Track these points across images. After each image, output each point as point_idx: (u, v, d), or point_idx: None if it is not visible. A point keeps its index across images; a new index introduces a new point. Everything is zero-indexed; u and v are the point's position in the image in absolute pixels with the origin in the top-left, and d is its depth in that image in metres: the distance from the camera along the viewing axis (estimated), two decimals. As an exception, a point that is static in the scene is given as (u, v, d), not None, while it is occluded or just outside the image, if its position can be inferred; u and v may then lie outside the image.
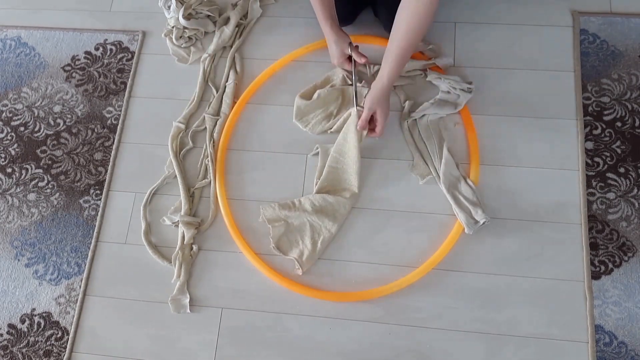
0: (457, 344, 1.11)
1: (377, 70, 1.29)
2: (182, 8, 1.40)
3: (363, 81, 1.31)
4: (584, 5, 1.37)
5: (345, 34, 1.26)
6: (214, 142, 1.32)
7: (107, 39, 1.49)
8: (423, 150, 1.25)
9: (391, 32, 1.09)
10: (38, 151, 1.38)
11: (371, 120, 1.22)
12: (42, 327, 1.22)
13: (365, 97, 1.21)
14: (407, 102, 1.29)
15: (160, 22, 1.48)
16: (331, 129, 1.29)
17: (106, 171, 1.33)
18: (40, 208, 1.32)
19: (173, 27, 1.43)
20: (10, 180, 1.36)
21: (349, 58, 1.27)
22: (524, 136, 1.25)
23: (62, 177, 1.34)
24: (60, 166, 1.36)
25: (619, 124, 1.25)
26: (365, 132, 1.23)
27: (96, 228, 1.27)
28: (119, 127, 1.37)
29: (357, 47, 1.27)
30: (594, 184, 1.20)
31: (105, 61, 1.46)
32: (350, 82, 1.30)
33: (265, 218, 1.21)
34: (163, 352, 1.16)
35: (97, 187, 1.32)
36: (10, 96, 1.45)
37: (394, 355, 1.12)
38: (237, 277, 1.20)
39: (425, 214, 1.21)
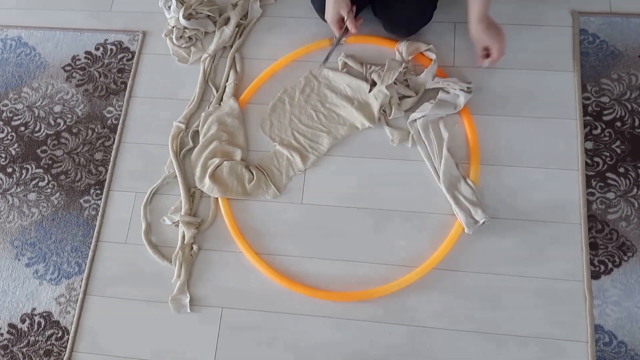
0: (457, 343, 1.11)
1: (373, 71, 1.31)
2: (183, 8, 1.41)
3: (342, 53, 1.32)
4: (584, 5, 1.37)
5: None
6: (214, 142, 1.32)
7: (107, 39, 1.49)
8: (423, 149, 1.25)
9: None
10: (38, 151, 1.38)
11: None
12: (42, 326, 1.22)
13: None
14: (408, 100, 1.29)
15: (161, 22, 1.48)
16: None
17: (106, 171, 1.33)
18: (41, 208, 1.32)
19: (173, 27, 1.43)
20: (11, 180, 1.36)
21: (341, 22, 1.26)
22: (524, 136, 1.25)
23: (63, 176, 1.34)
24: (60, 166, 1.36)
25: (618, 124, 1.25)
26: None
27: (96, 228, 1.28)
28: (119, 127, 1.37)
29: (357, 17, 1.25)
30: (593, 184, 1.21)
31: (106, 61, 1.46)
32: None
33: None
34: (163, 352, 1.16)
35: (97, 187, 1.32)
36: (10, 96, 1.45)
37: (394, 355, 1.12)
38: (237, 277, 1.20)
39: (425, 214, 1.21)
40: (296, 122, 1.30)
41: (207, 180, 1.25)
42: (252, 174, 1.25)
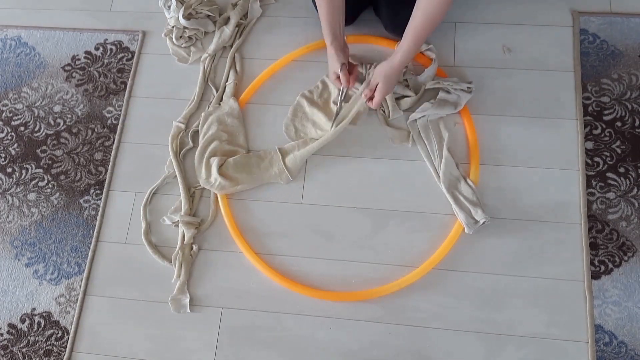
0: (457, 344, 1.11)
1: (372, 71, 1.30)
2: (182, 8, 1.41)
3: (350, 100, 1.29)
4: (584, 5, 1.37)
5: (343, 52, 1.23)
6: (214, 142, 1.32)
7: (107, 39, 1.49)
8: (423, 149, 1.25)
9: (414, 9, 1.10)
10: (38, 151, 1.38)
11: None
12: (42, 326, 1.22)
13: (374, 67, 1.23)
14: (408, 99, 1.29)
15: (161, 22, 1.48)
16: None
17: (106, 171, 1.33)
18: (41, 208, 1.32)
19: (173, 27, 1.43)
20: (11, 180, 1.36)
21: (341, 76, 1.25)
22: (524, 136, 1.25)
23: (62, 176, 1.34)
24: (60, 166, 1.36)
25: (619, 123, 1.25)
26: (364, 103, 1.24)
27: (96, 228, 1.27)
28: (119, 127, 1.37)
29: (353, 68, 1.26)
30: (594, 183, 1.20)
31: (106, 61, 1.46)
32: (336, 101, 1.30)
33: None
34: (163, 352, 1.16)
35: (97, 186, 1.32)
36: (10, 96, 1.45)
37: (394, 355, 1.12)
38: (237, 277, 1.20)
39: (425, 214, 1.21)
40: (317, 121, 1.30)
41: (215, 176, 1.24)
42: (261, 158, 1.26)
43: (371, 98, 1.24)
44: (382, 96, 1.20)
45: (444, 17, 1.08)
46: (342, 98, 1.26)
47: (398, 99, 1.29)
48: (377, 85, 1.20)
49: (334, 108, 1.29)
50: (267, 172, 1.26)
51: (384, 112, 1.29)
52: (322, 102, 1.32)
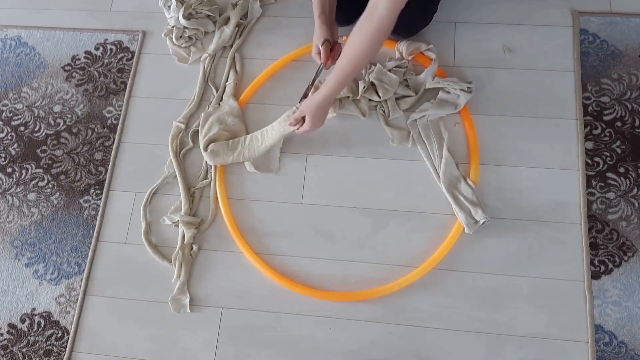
0: (457, 343, 1.11)
1: (371, 71, 1.30)
2: (182, 8, 1.41)
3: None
4: (584, 5, 1.37)
5: (329, 29, 1.24)
6: (214, 142, 1.32)
7: (107, 39, 1.49)
8: (423, 149, 1.25)
9: (342, 52, 1.10)
10: (38, 151, 1.38)
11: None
12: (42, 326, 1.22)
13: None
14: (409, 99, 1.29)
15: (160, 22, 1.48)
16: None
17: (106, 171, 1.33)
18: (41, 208, 1.32)
19: (173, 27, 1.43)
20: (11, 180, 1.36)
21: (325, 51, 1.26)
22: (524, 136, 1.25)
23: (62, 176, 1.34)
24: (60, 166, 1.36)
25: (619, 123, 1.25)
26: (292, 128, 1.23)
27: (96, 228, 1.27)
28: (119, 127, 1.37)
29: (335, 45, 1.25)
30: (594, 183, 1.20)
31: (106, 61, 1.46)
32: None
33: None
34: (163, 352, 1.16)
35: (97, 186, 1.32)
36: (10, 96, 1.45)
37: (394, 355, 1.12)
38: (237, 277, 1.20)
39: (425, 214, 1.21)
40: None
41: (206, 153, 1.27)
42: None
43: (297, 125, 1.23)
44: (307, 130, 1.19)
45: (373, 57, 1.07)
46: (318, 75, 1.26)
47: (398, 99, 1.29)
48: (304, 117, 1.19)
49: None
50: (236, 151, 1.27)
51: (384, 112, 1.29)
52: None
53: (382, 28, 1.01)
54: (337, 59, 1.21)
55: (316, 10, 1.24)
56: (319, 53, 1.25)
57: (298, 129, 1.22)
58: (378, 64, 1.29)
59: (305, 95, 1.27)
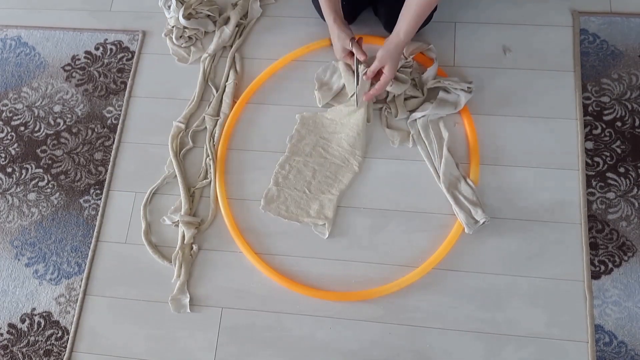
0: (457, 343, 1.11)
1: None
2: (182, 8, 1.41)
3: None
4: (584, 5, 1.37)
5: (349, 28, 1.25)
6: (214, 142, 1.32)
7: (107, 39, 1.49)
8: (423, 149, 1.25)
9: None
10: (38, 151, 1.38)
11: (377, 75, 1.22)
12: (42, 326, 1.22)
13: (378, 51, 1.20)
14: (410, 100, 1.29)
15: (160, 22, 1.48)
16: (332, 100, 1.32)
17: (106, 171, 1.33)
18: (41, 208, 1.32)
19: (173, 27, 1.43)
20: (11, 179, 1.36)
21: (351, 53, 1.26)
22: (524, 136, 1.25)
23: (62, 176, 1.34)
24: (60, 166, 1.36)
25: (619, 123, 1.25)
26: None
27: (96, 228, 1.27)
28: (119, 127, 1.37)
29: (360, 40, 1.25)
30: (594, 183, 1.20)
31: (106, 61, 1.46)
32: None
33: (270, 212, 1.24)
34: (163, 352, 1.16)
35: (97, 186, 1.32)
36: (10, 96, 1.45)
37: (394, 355, 1.12)
38: (237, 277, 1.20)
39: (425, 214, 1.21)
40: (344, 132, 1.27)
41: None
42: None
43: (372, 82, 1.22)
44: (390, 77, 1.18)
45: None
46: (359, 73, 1.24)
47: (406, 99, 1.29)
48: (381, 67, 1.18)
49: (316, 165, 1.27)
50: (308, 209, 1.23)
51: (390, 111, 1.29)
52: (303, 159, 1.28)
53: None
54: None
55: (329, 15, 1.23)
56: (349, 54, 1.25)
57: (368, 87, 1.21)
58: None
59: (358, 96, 1.25)
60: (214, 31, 1.44)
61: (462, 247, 1.17)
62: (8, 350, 1.20)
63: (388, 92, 1.28)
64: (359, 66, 1.24)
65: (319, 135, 1.29)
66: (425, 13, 1.12)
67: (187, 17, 1.41)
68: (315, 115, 1.31)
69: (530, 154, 1.23)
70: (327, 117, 1.30)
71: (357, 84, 1.24)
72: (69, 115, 1.41)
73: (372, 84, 1.25)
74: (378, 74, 1.21)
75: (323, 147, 1.27)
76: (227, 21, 1.44)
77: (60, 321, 1.21)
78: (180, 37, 1.43)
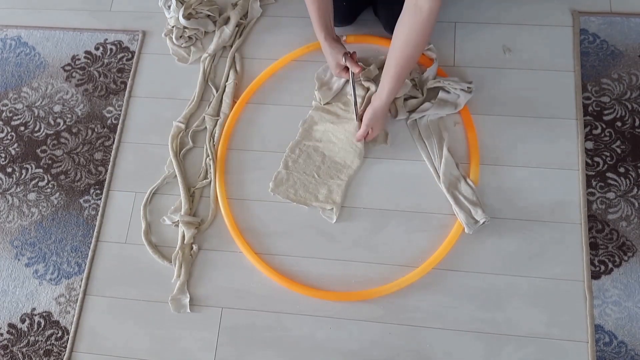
0: (457, 343, 1.11)
1: (382, 62, 1.30)
2: (182, 8, 1.41)
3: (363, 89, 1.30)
4: (584, 5, 1.37)
5: (341, 43, 1.24)
6: (214, 142, 1.32)
7: (107, 39, 1.49)
8: (423, 149, 1.25)
9: (390, 48, 1.08)
10: (38, 151, 1.38)
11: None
12: (42, 326, 1.22)
13: (363, 110, 1.22)
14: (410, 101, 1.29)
15: (160, 22, 1.48)
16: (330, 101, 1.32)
17: (106, 171, 1.33)
18: (41, 208, 1.32)
19: (173, 27, 1.43)
20: (11, 179, 1.36)
21: (346, 68, 1.24)
22: (524, 136, 1.25)
23: (62, 176, 1.34)
24: (60, 166, 1.36)
25: (619, 123, 1.25)
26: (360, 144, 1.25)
27: (96, 228, 1.27)
28: (119, 127, 1.37)
29: (353, 54, 1.24)
30: (594, 183, 1.20)
31: (106, 61, 1.46)
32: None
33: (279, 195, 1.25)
34: (163, 352, 1.16)
35: (97, 186, 1.32)
36: (10, 96, 1.45)
37: (394, 355, 1.12)
38: (237, 277, 1.20)
39: (425, 214, 1.21)
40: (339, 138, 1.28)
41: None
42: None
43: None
44: (373, 136, 1.23)
45: (422, 49, 1.07)
46: (355, 88, 1.24)
47: (406, 99, 1.29)
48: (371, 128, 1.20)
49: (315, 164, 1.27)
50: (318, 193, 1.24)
51: (390, 112, 1.28)
52: (303, 161, 1.28)
53: (431, 19, 0.98)
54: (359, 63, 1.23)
55: (321, 32, 1.22)
56: (344, 69, 1.24)
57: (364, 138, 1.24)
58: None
59: (356, 109, 1.25)
60: (214, 31, 1.44)
61: (462, 247, 1.17)
62: (8, 350, 1.20)
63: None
64: (353, 83, 1.24)
65: (329, 122, 1.29)
66: (405, 72, 1.09)
67: (187, 17, 1.41)
68: (329, 104, 1.32)
69: (530, 154, 1.23)
70: (340, 106, 1.31)
71: (355, 97, 1.24)
72: (69, 115, 1.41)
73: (367, 90, 1.28)
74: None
75: (332, 133, 1.28)
76: (227, 21, 1.44)
77: (60, 321, 1.22)
78: (180, 37, 1.43)
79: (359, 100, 1.27)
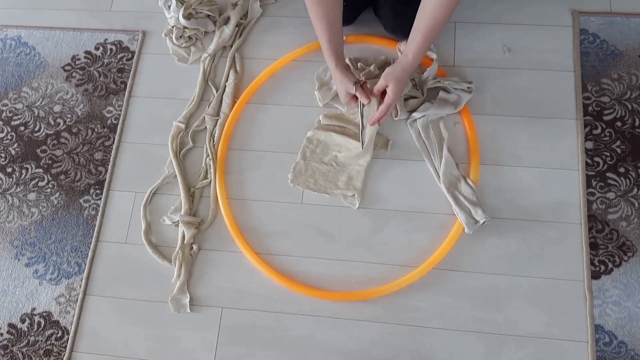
0: (457, 343, 1.11)
1: (382, 61, 1.31)
2: (182, 8, 1.41)
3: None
4: (584, 5, 1.37)
5: (351, 72, 1.20)
6: (214, 142, 1.32)
7: (107, 39, 1.49)
8: (423, 149, 1.25)
9: (419, 8, 1.07)
10: (38, 151, 1.38)
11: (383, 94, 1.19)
12: (42, 326, 1.22)
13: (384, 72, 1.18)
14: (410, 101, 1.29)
15: (160, 22, 1.48)
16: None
17: (106, 171, 1.33)
18: (41, 208, 1.32)
19: (173, 27, 1.43)
20: (11, 179, 1.36)
21: (355, 97, 1.21)
22: (524, 136, 1.25)
23: (62, 176, 1.34)
24: (60, 166, 1.36)
25: (619, 123, 1.25)
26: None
27: (96, 228, 1.27)
28: (119, 127, 1.37)
29: (364, 84, 1.22)
30: (594, 183, 1.21)
31: (106, 61, 1.46)
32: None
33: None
34: (163, 352, 1.16)
35: (97, 186, 1.32)
36: (10, 96, 1.45)
37: (394, 355, 1.12)
38: (237, 277, 1.20)
39: (425, 214, 1.21)
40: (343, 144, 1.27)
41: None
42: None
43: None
44: (393, 99, 1.15)
45: (453, 12, 1.06)
46: (363, 116, 1.22)
47: (406, 99, 1.29)
48: (385, 87, 1.16)
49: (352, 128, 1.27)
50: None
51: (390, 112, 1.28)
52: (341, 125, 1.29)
53: None
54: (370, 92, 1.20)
55: (331, 59, 1.18)
56: (353, 97, 1.21)
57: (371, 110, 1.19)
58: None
59: (363, 139, 1.23)
60: (214, 31, 1.44)
61: (462, 247, 1.17)
62: (8, 350, 1.20)
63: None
64: (362, 111, 1.22)
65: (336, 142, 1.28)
66: (434, 33, 1.09)
67: (187, 17, 1.41)
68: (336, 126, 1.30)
69: (530, 154, 1.23)
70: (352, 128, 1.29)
71: (363, 127, 1.23)
72: (69, 115, 1.41)
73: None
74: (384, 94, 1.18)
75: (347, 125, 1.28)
76: (227, 21, 1.44)
77: (60, 321, 1.22)
78: (180, 37, 1.43)
79: (367, 131, 1.24)
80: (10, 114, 1.43)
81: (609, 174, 1.21)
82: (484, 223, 1.15)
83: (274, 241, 1.22)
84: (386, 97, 1.16)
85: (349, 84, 1.18)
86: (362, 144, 1.23)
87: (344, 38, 1.36)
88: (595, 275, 1.14)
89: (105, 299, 1.22)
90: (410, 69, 1.15)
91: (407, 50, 1.13)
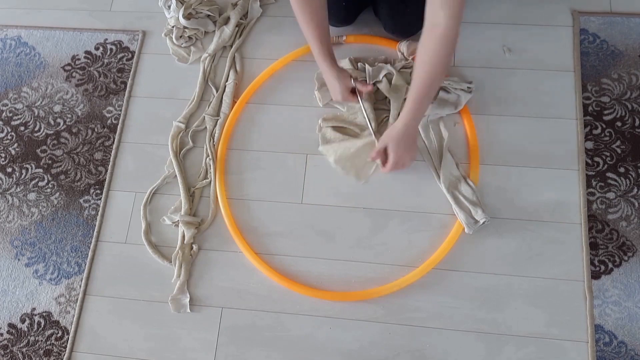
0: (457, 343, 1.11)
1: (382, 61, 1.32)
2: (182, 8, 1.41)
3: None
4: (584, 5, 1.37)
5: (345, 71, 1.22)
6: (214, 142, 1.32)
7: (107, 39, 1.49)
8: (423, 149, 1.25)
9: (412, 74, 1.06)
10: (38, 151, 1.38)
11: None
12: (42, 326, 1.22)
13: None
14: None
15: (161, 22, 1.48)
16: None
17: (106, 171, 1.33)
18: (41, 208, 1.32)
19: (173, 27, 1.43)
20: (11, 179, 1.36)
21: (352, 91, 1.23)
22: (523, 136, 1.25)
23: (62, 176, 1.34)
24: (60, 166, 1.36)
25: (619, 123, 1.25)
26: (377, 163, 1.23)
27: (96, 228, 1.27)
28: (119, 127, 1.37)
29: (357, 78, 1.24)
30: (594, 183, 1.20)
31: (106, 61, 1.46)
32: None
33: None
34: (163, 352, 1.16)
35: (97, 186, 1.32)
36: (10, 96, 1.45)
37: (394, 355, 1.12)
38: (237, 277, 1.20)
39: (425, 214, 1.21)
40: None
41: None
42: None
43: (383, 162, 1.19)
44: (395, 159, 1.15)
45: (447, 70, 1.05)
46: (367, 112, 1.24)
47: (406, 100, 1.29)
48: (385, 148, 1.16)
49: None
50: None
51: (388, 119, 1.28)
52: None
53: (449, 40, 0.97)
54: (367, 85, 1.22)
55: (325, 60, 1.18)
56: (353, 92, 1.23)
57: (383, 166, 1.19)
58: (388, 65, 1.29)
59: (372, 127, 1.24)
60: (214, 31, 1.44)
61: (462, 247, 1.17)
62: (8, 350, 1.20)
63: (387, 94, 1.27)
64: (364, 107, 1.24)
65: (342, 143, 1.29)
66: (426, 94, 1.07)
67: (187, 17, 1.41)
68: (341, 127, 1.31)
69: (530, 154, 1.23)
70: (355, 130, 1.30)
71: (367, 119, 1.24)
72: (69, 115, 1.41)
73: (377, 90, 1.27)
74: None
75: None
76: (227, 21, 1.44)
77: (60, 321, 1.22)
78: (180, 37, 1.43)
79: (371, 118, 1.25)
80: (10, 114, 1.43)
81: (609, 174, 1.21)
82: (484, 223, 1.15)
83: (274, 241, 1.22)
84: (388, 158, 1.16)
85: (347, 79, 1.21)
86: (373, 134, 1.24)
87: (344, 38, 1.37)
88: (595, 275, 1.14)
89: (105, 299, 1.22)
90: (405, 132, 1.12)
91: (402, 114, 1.12)
